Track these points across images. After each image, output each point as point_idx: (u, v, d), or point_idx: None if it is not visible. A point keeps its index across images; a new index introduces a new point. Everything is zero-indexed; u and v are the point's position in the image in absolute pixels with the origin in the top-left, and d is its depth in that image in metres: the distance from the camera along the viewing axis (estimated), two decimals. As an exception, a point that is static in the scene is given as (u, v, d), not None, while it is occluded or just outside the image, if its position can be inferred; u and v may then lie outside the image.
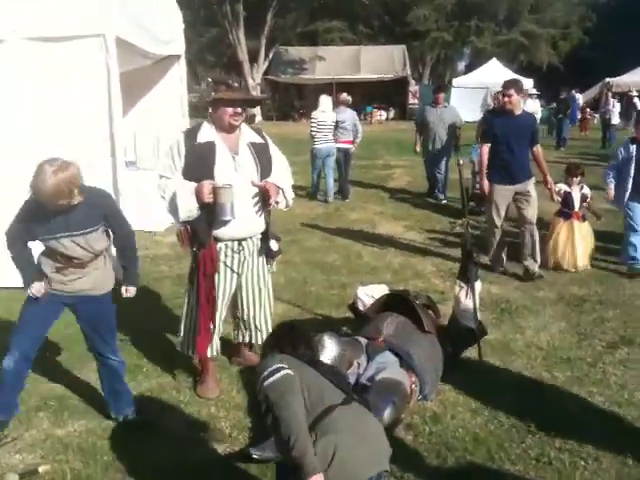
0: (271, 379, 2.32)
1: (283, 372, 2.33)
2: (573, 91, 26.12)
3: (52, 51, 5.59)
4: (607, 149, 19.07)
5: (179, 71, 8.34)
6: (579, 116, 25.17)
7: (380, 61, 36.39)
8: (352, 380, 3.95)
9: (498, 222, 6.60)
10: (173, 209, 3.76)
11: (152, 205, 6.04)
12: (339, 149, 11.01)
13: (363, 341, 4.22)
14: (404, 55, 37.40)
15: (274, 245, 4.16)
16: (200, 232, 3.81)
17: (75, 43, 5.63)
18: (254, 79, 35.08)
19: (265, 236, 4.11)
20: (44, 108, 5.63)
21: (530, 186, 6.49)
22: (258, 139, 4.00)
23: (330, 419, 2.34)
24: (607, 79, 30.68)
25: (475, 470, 3.39)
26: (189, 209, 3.71)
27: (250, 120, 12.71)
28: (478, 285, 4.54)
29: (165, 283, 6.44)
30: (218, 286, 3.95)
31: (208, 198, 3.62)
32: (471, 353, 4.61)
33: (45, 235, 3.39)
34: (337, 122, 10.86)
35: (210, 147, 3.78)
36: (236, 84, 3.76)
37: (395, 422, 3.66)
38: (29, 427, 3.81)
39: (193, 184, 3.69)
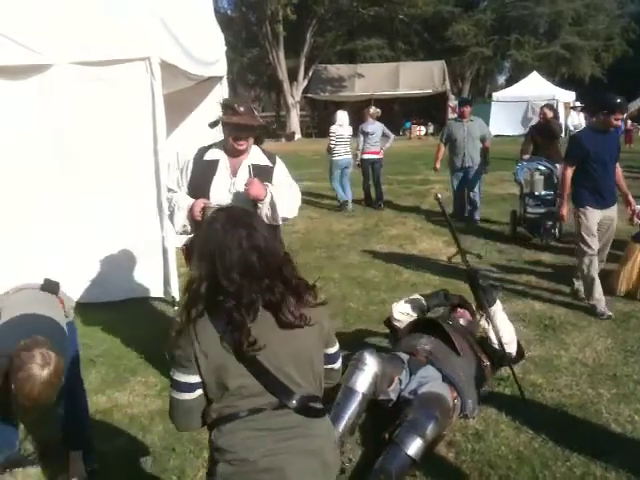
0: None
1: None
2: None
3: (98, 75, 5.75)
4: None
5: (221, 92, 8.47)
6: (623, 128, 24.71)
7: (419, 77, 36.39)
8: (394, 396, 3.95)
9: (594, 247, 5.85)
10: (172, 223, 3.86)
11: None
12: (367, 160, 11.92)
13: (404, 357, 4.20)
14: (443, 70, 37.33)
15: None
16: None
17: (121, 67, 5.79)
18: (294, 97, 35.48)
19: None
20: (90, 131, 5.80)
21: (615, 211, 6.02)
22: (264, 162, 3.93)
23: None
24: (651, 91, 30.08)
25: (519, 488, 3.35)
26: (183, 224, 3.75)
27: (289, 138, 13.11)
28: (497, 307, 4.42)
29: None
30: None
31: (198, 216, 3.58)
32: (515, 369, 4.55)
33: None
34: (366, 134, 11.79)
35: (212, 166, 3.82)
36: (242, 108, 3.68)
37: (437, 437, 3.64)
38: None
39: (190, 201, 3.72)
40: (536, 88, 31.33)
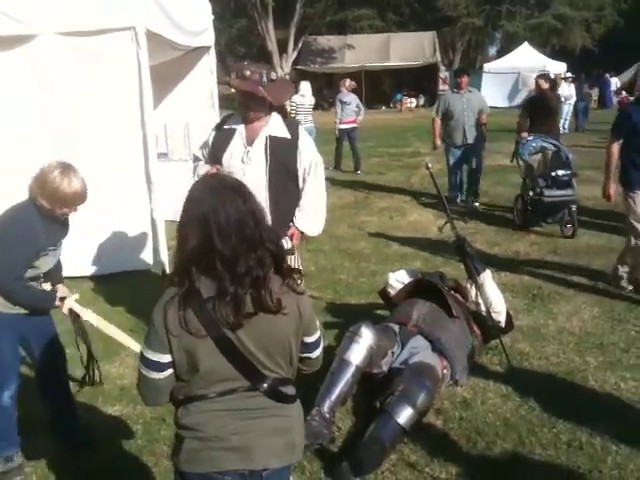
0: None
1: None
2: (607, 74, 25.62)
3: (84, 45, 5.67)
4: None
5: (209, 63, 8.38)
6: (614, 100, 24.70)
7: (410, 48, 36.07)
8: (386, 369, 3.98)
9: None
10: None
11: (183, 196, 6.12)
12: (345, 129, 13.19)
13: (395, 327, 4.23)
14: (434, 41, 37.01)
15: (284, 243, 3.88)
16: None
17: (106, 36, 5.71)
18: (283, 69, 35.08)
19: None
20: (76, 101, 5.74)
21: None
22: (283, 133, 3.73)
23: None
24: (642, 61, 29.99)
25: (506, 455, 3.40)
26: None
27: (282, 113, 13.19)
28: (486, 275, 4.46)
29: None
30: None
31: None
32: (503, 339, 4.60)
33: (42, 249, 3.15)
34: (344, 103, 13.12)
35: (229, 134, 3.75)
36: (248, 72, 3.52)
37: (428, 407, 3.68)
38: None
39: (207, 167, 3.70)
40: (527, 59, 31.16)
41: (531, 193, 7.77)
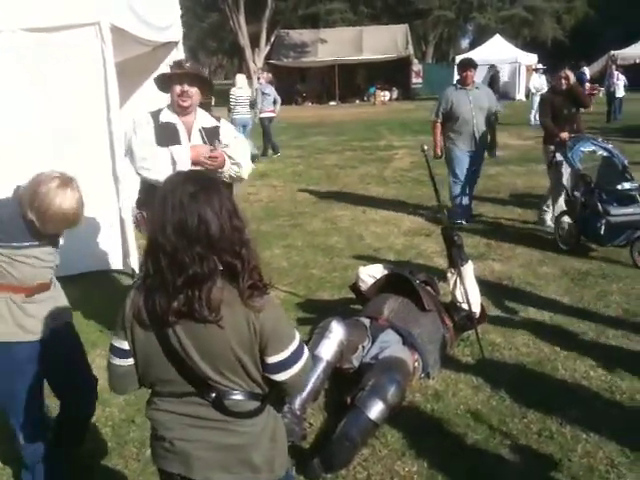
0: None
1: None
2: (586, 67, 25.86)
3: (47, 41, 5.54)
4: (612, 122, 18.93)
5: (177, 57, 8.27)
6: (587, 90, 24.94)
7: (382, 41, 36.15)
8: (357, 364, 3.97)
9: None
10: (165, 169, 3.68)
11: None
12: (266, 117, 14.31)
13: (366, 322, 4.23)
14: (406, 34, 37.13)
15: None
16: None
17: (70, 32, 5.58)
18: (256, 63, 34.94)
19: None
20: (41, 99, 5.62)
21: None
22: (211, 123, 4.06)
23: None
24: (612, 52, 30.38)
25: (477, 447, 3.41)
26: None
27: (252, 105, 13.73)
28: (469, 267, 4.49)
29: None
30: None
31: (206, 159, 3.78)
32: (473, 331, 4.62)
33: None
34: (265, 94, 14.30)
35: (173, 127, 3.90)
36: (188, 64, 3.84)
37: (399, 401, 3.68)
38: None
39: (187, 149, 3.81)
40: (499, 51, 31.41)
41: (587, 211, 6.34)
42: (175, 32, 7.92)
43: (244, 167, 4.07)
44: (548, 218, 7.39)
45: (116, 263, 6.09)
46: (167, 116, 3.93)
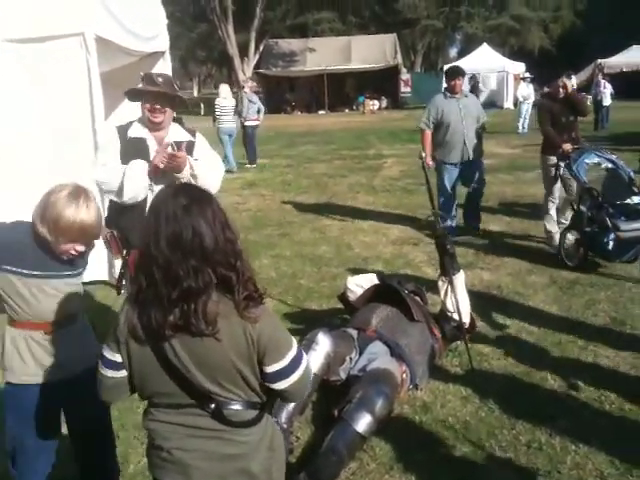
0: None
1: None
2: (573, 75, 26.01)
3: (31, 52, 5.52)
4: (600, 130, 19.05)
5: (164, 67, 8.23)
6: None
7: (371, 51, 36.34)
8: (344, 375, 3.93)
9: None
10: (118, 191, 3.64)
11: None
12: (250, 125, 14.36)
13: (354, 333, 4.19)
14: (395, 44, 37.34)
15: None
16: (133, 234, 3.66)
17: (54, 43, 5.56)
18: (245, 73, 34.98)
19: None
20: (25, 110, 5.57)
21: None
22: (185, 137, 3.86)
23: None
24: (599, 60, 30.61)
25: (466, 458, 3.37)
26: (137, 188, 3.63)
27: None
28: (460, 276, 4.48)
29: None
30: None
31: (163, 160, 3.57)
32: (462, 341, 4.59)
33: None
34: (250, 102, 14.25)
35: (142, 143, 3.74)
36: (160, 79, 3.65)
37: (387, 414, 3.64)
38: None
39: (144, 163, 3.64)
40: (487, 60, 31.64)
41: (595, 226, 6.09)
42: (161, 42, 7.90)
43: (203, 184, 3.86)
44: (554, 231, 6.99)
45: (101, 274, 6.03)
46: (137, 131, 3.76)
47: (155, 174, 3.63)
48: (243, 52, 35.71)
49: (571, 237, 6.38)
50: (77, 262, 2.60)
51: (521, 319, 5.10)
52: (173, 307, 1.76)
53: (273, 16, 36.91)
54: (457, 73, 7.67)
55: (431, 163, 7.55)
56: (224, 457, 1.90)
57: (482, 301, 5.45)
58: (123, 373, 1.92)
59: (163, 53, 8.11)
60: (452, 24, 41.12)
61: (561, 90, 6.90)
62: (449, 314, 4.45)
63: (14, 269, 2.43)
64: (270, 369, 1.87)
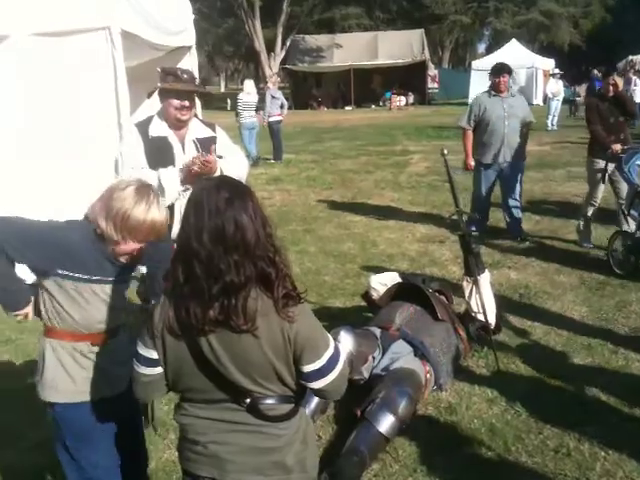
0: None
1: None
2: (595, 70, 25.61)
3: (57, 46, 5.55)
4: (630, 128, 18.65)
5: (190, 62, 8.24)
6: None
7: (398, 46, 36.10)
8: (367, 375, 3.87)
9: None
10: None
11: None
12: (273, 121, 14.29)
13: (377, 332, 4.13)
14: (422, 39, 37.03)
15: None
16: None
17: (80, 37, 5.59)
18: (271, 69, 35.00)
19: None
20: (50, 104, 5.60)
21: None
22: (206, 133, 3.78)
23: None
24: (630, 57, 29.99)
25: (491, 462, 3.30)
26: (172, 197, 3.53)
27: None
28: (486, 276, 4.39)
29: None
30: None
31: (198, 165, 3.47)
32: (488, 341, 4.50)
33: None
34: (274, 98, 14.34)
35: (164, 141, 3.62)
36: (186, 75, 3.54)
37: (410, 414, 3.58)
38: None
39: (176, 170, 3.56)
40: (515, 56, 31.06)
41: None
42: (188, 37, 7.90)
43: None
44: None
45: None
46: (158, 129, 3.63)
47: (190, 181, 3.51)
48: (270, 47, 35.72)
49: (620, 243, 6.03)
50: (128, 266, 2.43)
51: (549, 320, 4.99)
52: (213, 302, 1.73)
53: (300, 11, 36.86)
54: (503, 70, 7.19)
55: (472, 163, 7.32)
56: (260, 451, 1.89)
57: (509, 301, 5.36)
58: (159, 370, 1.89)
59: (189, 48, 8.11)
60: (480, 19, 40.74)
61: (611, 88, 6.45)
62: (474, 314, 4.37)
63: (70, 273, 2.26)
64: (307, 369, 1.85)
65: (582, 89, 25.61)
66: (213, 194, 1.74)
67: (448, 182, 4.69)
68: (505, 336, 4.65)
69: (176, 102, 3.54)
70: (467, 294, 4.42)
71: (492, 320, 4.35)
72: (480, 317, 4.32)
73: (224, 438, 1.89)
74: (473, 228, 6.95)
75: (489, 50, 43.35)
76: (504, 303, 5.23)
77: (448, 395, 3.94)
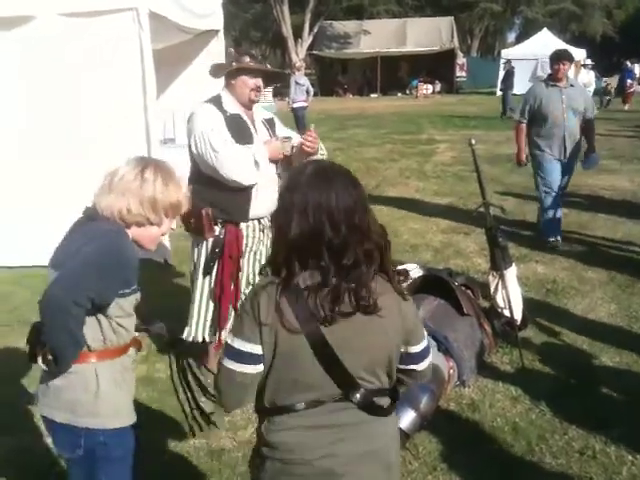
0: None
1: None
2: (628, 62, 25.15)
3: (84, 26, 5.52)
4: None
5: (218, 46, 8.19)
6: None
7: (426, 33, 35.69)
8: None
9: None
10: (249, 170, 3.45)
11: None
12: (297, 107, 14.42)
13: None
14: (451, 27, 36.56)
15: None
16: (234, 209, 3.53)
17: (107, 18, 5.55)
18: (298, 55, 34.83)
19: None
20: (77, 85, 5.59)
21: None
22: (267, 115, 3.86)
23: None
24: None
25: (514, 462, 3.22)
26: (258, 175, 3.49)
27: None
28: (512, 270, 4.29)
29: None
30: (242, 269, 3.69)
31: (287, 151, 3.54)
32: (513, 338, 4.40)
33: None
34: (298, 84, 14.48)
35: (241, 120, 3.56)
36: (260, 57, 3.52)
37: (432, 411, 3.51)
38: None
39: (266, 149, 3.52)
40: (546, 46, 30.44)
41: None
42: (216, 20, 7.85)
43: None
44: None
45: (149, 251, 6.03)
46: (231, 107, 3.56)
47: (288, 162, 3.55)
48: (297, 33, 35.51)
49: None
50: None
51: (576, 317, 4.88)
52: (343, 289, 1.65)
53: (329, -3, 36.60)
54: (562, 57, 6.43)
55: (525, 160, 6.77)
56: (372, 456, 1.77)
57: (535, 296, 5.25)
58: (261, 368, 1.72)
59: (217, 32, 8.06)
60: (511, 8, 40.07)
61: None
62: (499, 310, 4.28)
63: (127, 290, 2.07)
64: (414, 349, 1.82)
65: (614, 81, 25.17)
66: (340, 180, 1.70)
67: (475, 172, 4.58)
68: (531, 332, 4.55)
69: (252, 82, 3.51)
70: (493, 289, 4.33)
71: (518, 316, 4.26)
72: (505, 312, 4.23)
73: (335, 449, 1.73)
74: (552, 239, 6.52)
75: (519, 39, 42.66)
76: (531, 298, 5.13)
77: (471, 391, 3.86)
